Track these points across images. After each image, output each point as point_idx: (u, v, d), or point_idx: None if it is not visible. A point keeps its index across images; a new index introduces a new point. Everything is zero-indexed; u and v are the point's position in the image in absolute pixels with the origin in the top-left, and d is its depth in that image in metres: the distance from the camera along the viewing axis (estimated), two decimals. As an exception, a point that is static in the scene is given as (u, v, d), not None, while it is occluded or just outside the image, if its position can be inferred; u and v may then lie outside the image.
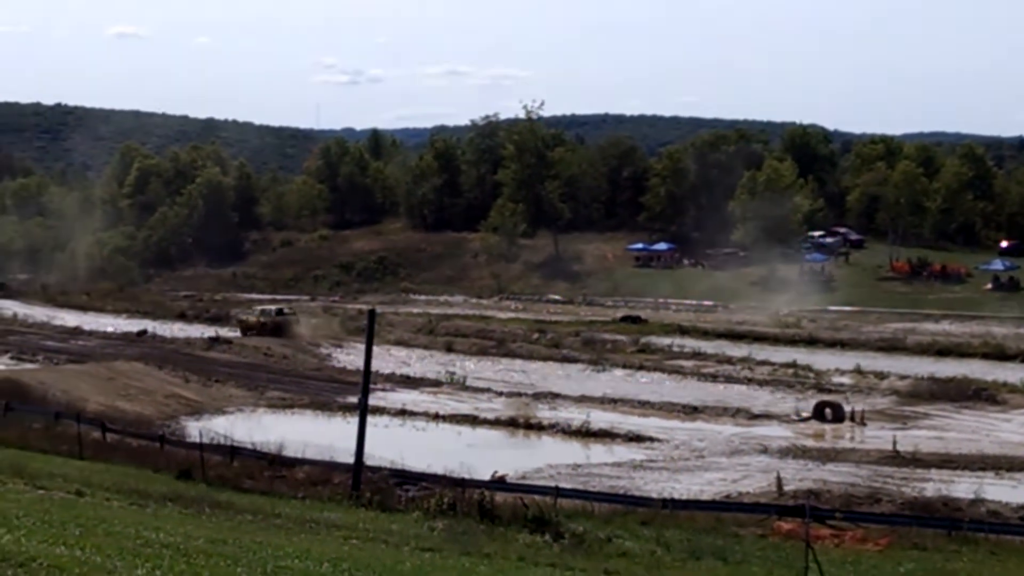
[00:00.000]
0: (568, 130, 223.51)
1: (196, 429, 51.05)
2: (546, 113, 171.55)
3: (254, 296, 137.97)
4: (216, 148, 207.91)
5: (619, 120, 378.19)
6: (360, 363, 40.17)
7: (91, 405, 57.31)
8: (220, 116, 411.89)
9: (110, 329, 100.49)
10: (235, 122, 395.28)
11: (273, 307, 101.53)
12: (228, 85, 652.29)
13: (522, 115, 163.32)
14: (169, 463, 39.95)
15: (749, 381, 73.97)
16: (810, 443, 54.52)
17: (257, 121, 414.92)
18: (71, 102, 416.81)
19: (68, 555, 15.89)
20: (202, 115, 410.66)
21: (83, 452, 41.13)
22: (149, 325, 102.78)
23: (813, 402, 63.20)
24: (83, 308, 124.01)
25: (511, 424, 58.49)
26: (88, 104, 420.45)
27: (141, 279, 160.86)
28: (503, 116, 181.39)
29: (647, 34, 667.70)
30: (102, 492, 28.76)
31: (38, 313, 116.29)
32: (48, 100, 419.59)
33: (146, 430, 50.38)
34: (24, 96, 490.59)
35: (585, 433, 55.85)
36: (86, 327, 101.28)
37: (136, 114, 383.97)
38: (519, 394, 68.20)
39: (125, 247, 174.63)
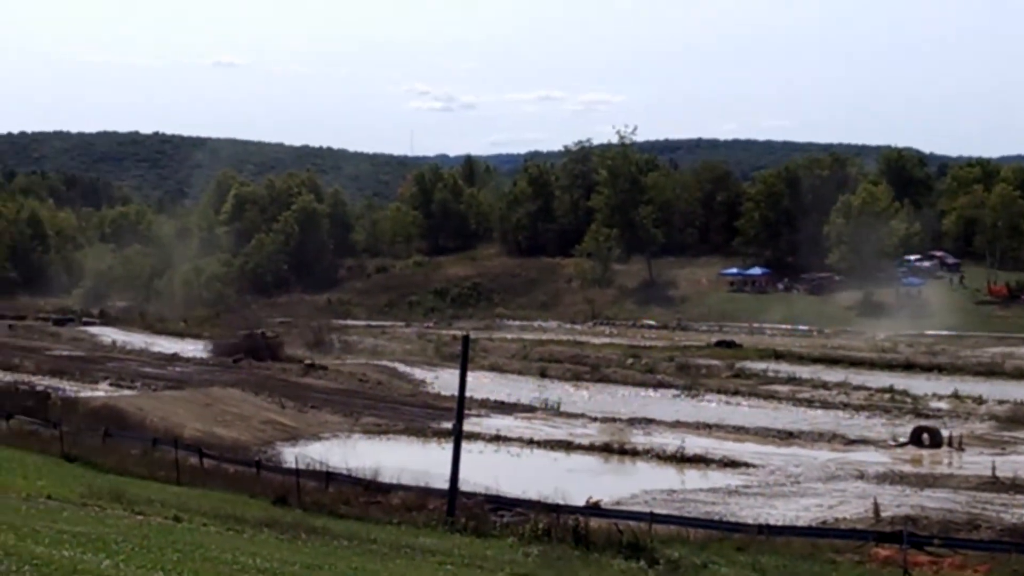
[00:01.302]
0: (661, 155, 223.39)
1: (292, 455, 51.29)
2: (639, 138, 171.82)
3: (349, 322, 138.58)
4: (311, 175, 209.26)
5: (712, 144, 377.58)
6: (455, 389, 40.26)
7: (188, 431, 57.76)
8: (315, 143, 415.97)
9: (207, 355, 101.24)
10: (330, 149, 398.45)
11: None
12: (323, 112, 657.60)
13: (615, 140, 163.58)
14: (265, 489, 40.14)
15: (845, 406, 73.44)
16: (907, 469, 53.99)
17: (352, 148, 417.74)
18: (169, 131, 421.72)
19: (167, 580, 16.09)
20: (297, 142, 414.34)
21: (180, 478, 41.45)
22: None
23: (910, 427, 62.63)
24: (180, 335, 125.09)
25: (605, 450, 58.35)
26: (185, 132, 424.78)
27: (238, 305, 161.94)
28: (596, 141, 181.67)
29: (740, 58, 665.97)
30: (199, 517, 28.95)
31: (136, 340, 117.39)
32: (146, 129, 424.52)
33: (242, 456, 50.65)
34: (123, 125, 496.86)
35: (680, 458, 55.63)
36: (184, 354, 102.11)
37: (232, 142, 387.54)
38: (613, 419, 68.03)
39: (222, 274, 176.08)
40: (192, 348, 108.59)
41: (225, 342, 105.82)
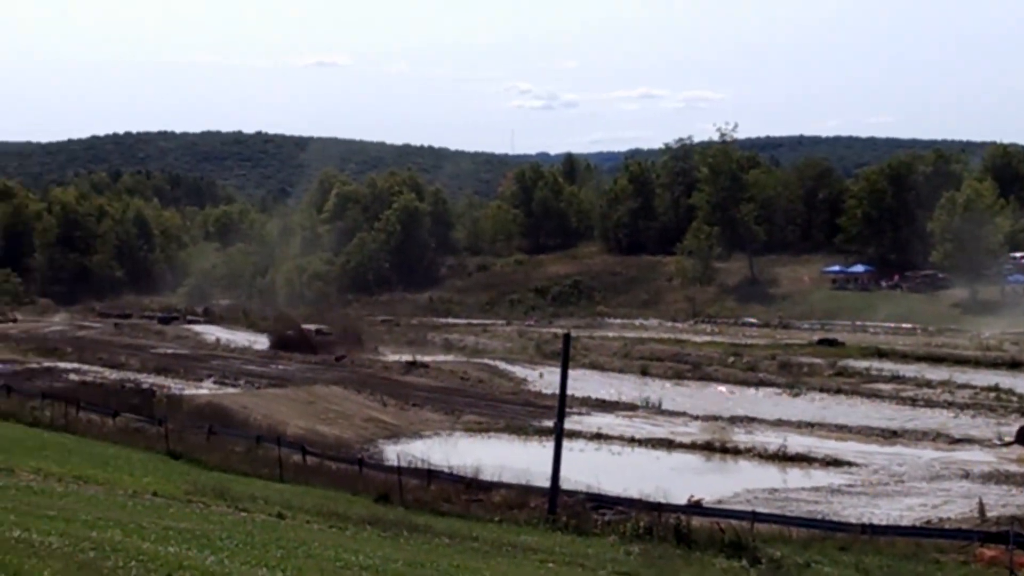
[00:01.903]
0: (763, 152, 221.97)
1: (394, 453, 51.53)
2: (740, 135, 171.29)
3: (450, 320, 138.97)
4: (412, 174, 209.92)
5: (814, 141, 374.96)
6: (556, 387, 40.25)
7: (291, 429, 58.14)
8: (416, 142, 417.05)
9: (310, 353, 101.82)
10: (431, 148, 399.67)
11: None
12: (424, 111, 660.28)
13: (716, 137, 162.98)
14: (367, 486, 40.31)
15: (949, 405, 72.66)
16: (1013, 468, 53.31)
17: (453, 147, 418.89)
18: (272, 130, 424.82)
19: (270, 577, 16.21)
20: (399, 141, 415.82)
21: (283, 475, 41.74)
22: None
23: (1016, 426, 61.83)
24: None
25: (707, 448, 58.12)
26: (288, 132, 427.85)
27: (340, 304, 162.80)
28: (697, 139, 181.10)
29: (843, 54, 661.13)
30: (302, 515, 29.15)
31: (240, 338, 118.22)
32: (249, 129, 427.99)
33: (345, 454, 50.89)
34: (227, 125, 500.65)
35: (782, 457, 55.32)
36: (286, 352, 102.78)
37: (335, 141, 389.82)
38: (715, 418, 67.72)
39: (324, 273, 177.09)
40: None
41: (279, 335, 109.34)
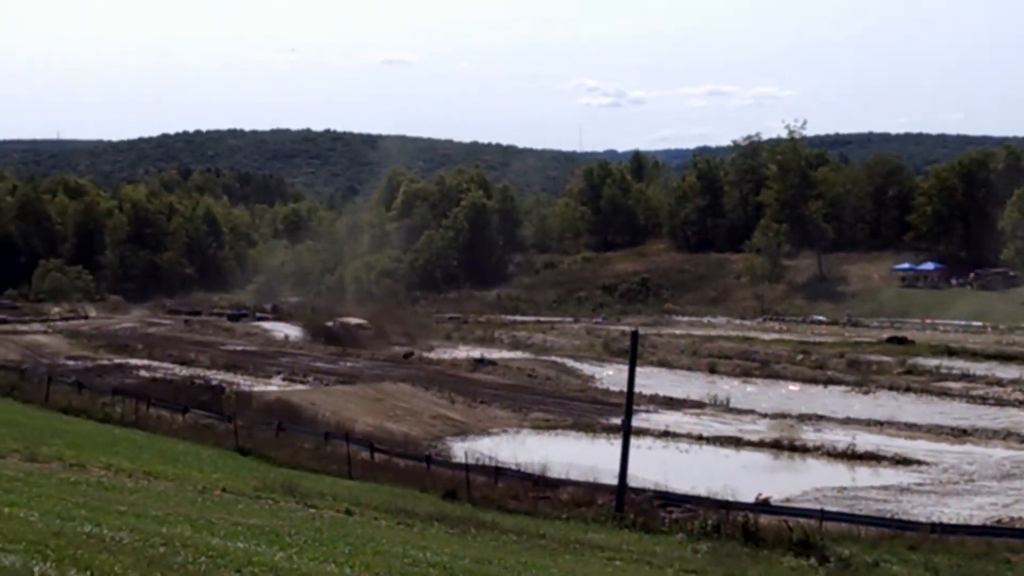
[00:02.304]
0: (831, 149, 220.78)
1: (461, 450, 51.63)
2: (809, 132, 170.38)
3: (518, 318, 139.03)
4: (480, 171, 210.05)
5: (884, 138, 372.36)
6: (623, 384, 40.21)
7: (359, 425, 58.37)
8: (484, 140, 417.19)
9: (377, 350, 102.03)
10: (499, 145, 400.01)
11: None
12: (492, 109, 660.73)
13: (785, 135, 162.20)
14: (435, 483, 40.41)
15: (1020, 404, 72.11)
16: (1086, 467, 52.93)
17: (520, 144, 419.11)
18: (340, 128, 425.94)
19: (338, 573, 16.25)
20: (467, 139, 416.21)
21: (352, 472, 41.88)
22: (415, 346, 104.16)
23: (1088, 425, 61.39)
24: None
25: (775, 446, 57.96)
26: (356, 130, 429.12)
27: (407, 301, 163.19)
28: (765, 136, 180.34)
29: (912, 50, 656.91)
30: (370, 511, 29.22)
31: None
32: (318, 126, 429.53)
33: (413, 450, 51.04)
34: (295, 123, 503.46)
35: (850, 455, 55.08)
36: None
37: (403, 139, 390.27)
38: (783, 416, 67.54)
39: (392, 270, 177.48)
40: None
41: (316, 327, 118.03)
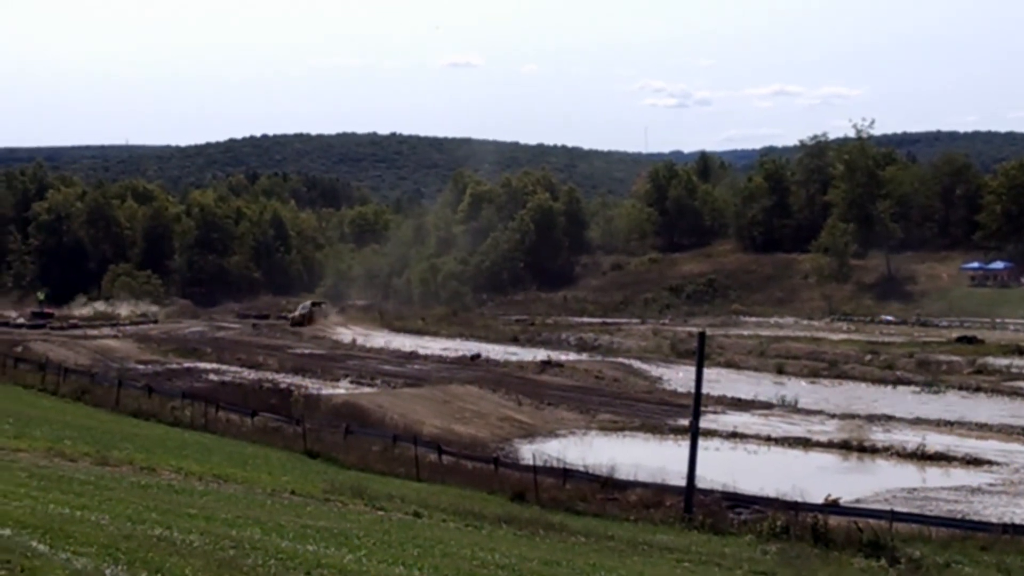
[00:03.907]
0: (899, 148, 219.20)
1: (529, 452, 51.64)
2: (876, 131, 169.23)
3: (584, 320, 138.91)
4: (546, 173, 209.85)
5: (952, 137, 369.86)
6: (690, 386, 40.15)
7: (427, 428, 58.51)
8: (550, 142, 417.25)
9: (445, 353, 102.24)
10: (564, 147, 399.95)
11: (309, 302, 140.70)
12: (558, 111, 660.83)
13: (852, 134, 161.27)
14: (503, 485, 40.47)
15: (1093, 403, 71.52)
16: None
17: (586, 146, 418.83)
18: (405, 131, 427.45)
19: (406, 575, 16.32)
20: (532, 141, 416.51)
21: (420, 474, 42.02)
22: (482, 349, 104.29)
23: None
24: (419, 332, 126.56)
25: (844, 447, 57.67)
26: (421, 133, 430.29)
27: (474, 303, 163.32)
28: (832, 136, 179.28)
29: (981, 47, 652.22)
30: (438, 513, 29.33)
31: (376, 338, 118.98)
32: (384, 130, 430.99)
33: (480, 453, 51.11)
34: (361, 127, 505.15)
35: (920, 456, 54.74)
36: (422, 351, 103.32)
37: (468, 141, 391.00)
38: (852, 416, 67.19)
39: (458, 272, 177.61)
40: (432, 345, 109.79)
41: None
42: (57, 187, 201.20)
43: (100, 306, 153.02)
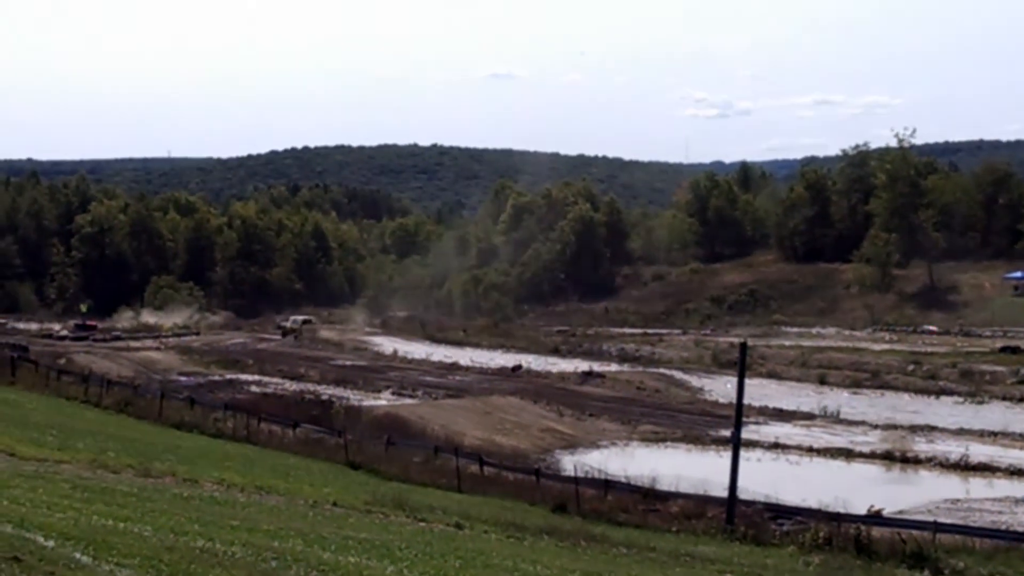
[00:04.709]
0: (941, 157, 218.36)
1: (571, 463, 51.60)
2: (918, 141, 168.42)
3: (626, 330, 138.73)
4: (587, 184, 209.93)
5: (995, 146, 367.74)
6: (732, 396, 40.06)
7: (468, 439, 58.52)
8: (590, 152, 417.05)
9: (486, 364, 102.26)
10: (605, 158, 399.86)
11: (301, 317, 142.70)
12: (598, 121, 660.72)
13: (894, 143, 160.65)
14: (545, 496, 40.46)
15: None
16: None
17: (627, 156, 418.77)
18: (446, 142, 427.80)
19: (449, 586, 16.34)
20: (573, 152, 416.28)
21: (461, 485, 42.01)
22: (524, 360, 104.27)
23: None
24: (460, 343, 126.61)
25: (887, 457, 57.49)
26: (462, 144, 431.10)
27: (515, 314, 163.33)
28: (874, 145, 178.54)
29: (1023, 56, 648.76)
30: (480, 525, 29.30)
31: (417, 349, 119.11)
32: (424, 141, 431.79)
33: (522, 464, 51.11)
34: (402, 138, 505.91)
35: (964, 467, 54.51)
36: (463, 362, 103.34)
37: (508, 152, 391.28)
38: (894, 427, 66.94)
39: (500, 283, 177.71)
40: (473, 356, 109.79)
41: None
42: (100, 200, 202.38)
43: (145, 317, 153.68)
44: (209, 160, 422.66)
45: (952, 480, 52.93)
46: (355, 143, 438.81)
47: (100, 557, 13.58)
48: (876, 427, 67.10)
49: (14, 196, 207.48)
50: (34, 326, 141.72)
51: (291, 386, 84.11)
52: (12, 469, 24.66)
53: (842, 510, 37.88)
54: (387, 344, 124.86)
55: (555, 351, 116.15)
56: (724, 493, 36.85)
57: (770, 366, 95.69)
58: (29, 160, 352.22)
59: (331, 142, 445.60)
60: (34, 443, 32.36)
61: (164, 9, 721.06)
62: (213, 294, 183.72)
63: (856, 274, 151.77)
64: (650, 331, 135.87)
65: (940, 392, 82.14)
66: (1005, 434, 63.73)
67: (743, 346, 39.21)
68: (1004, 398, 78.27)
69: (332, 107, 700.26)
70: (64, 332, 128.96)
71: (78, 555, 13.48)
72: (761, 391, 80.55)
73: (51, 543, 13.78)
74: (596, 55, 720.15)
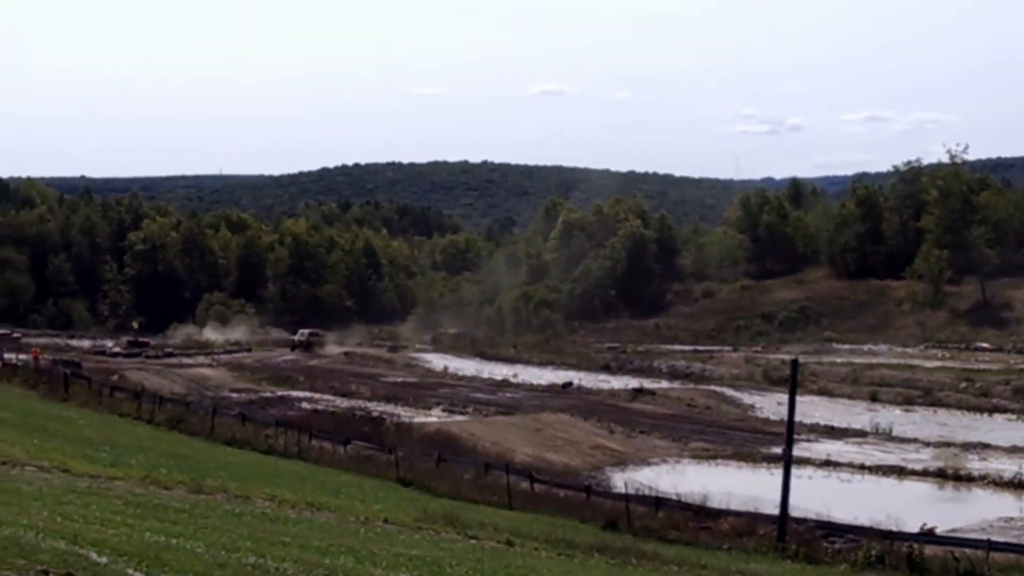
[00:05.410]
0: (994, 173, 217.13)
1: (621, 480, 51.56)
2: (970, 156, 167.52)
3: (676, 347, 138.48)
4: (637, 200, 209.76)
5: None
6: (783, 413, 39.95)
7: (519, 456, 58.51)
8: (641, 169, 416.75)
9: (536, 381, 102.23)
10: (656, 174, 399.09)
11: (307, 331, 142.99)
12: (649, 138, 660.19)
13: (946, 159, 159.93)
14: (595, 514, 40.44)
15: None
16: None
17: (677, 173, 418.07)
18: (496, 159, 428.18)
19: (500, 603, 16.36)
20: (623, 168, 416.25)
21: (512, 502, 42.03)
22: (574, 377, 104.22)
23: None
24: (510, 360, 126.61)
25: (939, 475, 57.16)
26: (513, 161, 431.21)
27: (566, 331, 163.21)
28: (926, 161, 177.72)
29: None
30: (531, 542, 29.32)
31: (467, 366, 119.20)
32: (474, 158, 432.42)
33: (572, 481, 51.10)
34: (452, 155, 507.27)
35: (1018, 485, 54.15)
36: (513, 379, 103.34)
37: (559, 169, 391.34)
38: (947, 444, 66.59)
39: (550, 300, 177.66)
40: (523, 373, 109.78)
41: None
42: (152, 217, 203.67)
43: (208, 334, 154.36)
44: (261, 177, 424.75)
45: (1006, 498, 52.59)
46: (406, 160, 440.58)
47: (153, 573, 13.66)
48: (928, 444, 66.79)
49: (68, 214, 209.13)
50: (87, 343, 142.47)
51: (342, 403, 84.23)
52: (65, 485, 24.81)
53: (894, 528, 37.73)
54: (437, 361, 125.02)
55: (605, 368, 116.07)
56: (775, 510, 36.76)
57: (821, 383, 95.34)
58: (82, 178, 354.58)
59: (382, 159, 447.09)
60: (87, 459, 32.56)
61: (217, 29, 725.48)
62: (264, 311, 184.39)
63: (908, 291, 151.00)
64: (701, 348, 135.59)
65: (993, 410, 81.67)
66: (1060, 452, 63.34)
67: (794, 363, 39.12)
68: (1059, 415, 77.79)
69: (383, 124, 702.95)
70: (117, 349, 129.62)
71: (131, 571, 13.56)
72: (812, 408, 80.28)
73: (104, 559, 13.86)
74: (645, 71, 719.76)
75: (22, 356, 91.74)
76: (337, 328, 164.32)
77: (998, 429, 73.51)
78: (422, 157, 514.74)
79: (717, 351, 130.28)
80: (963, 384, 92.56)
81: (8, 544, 13.43)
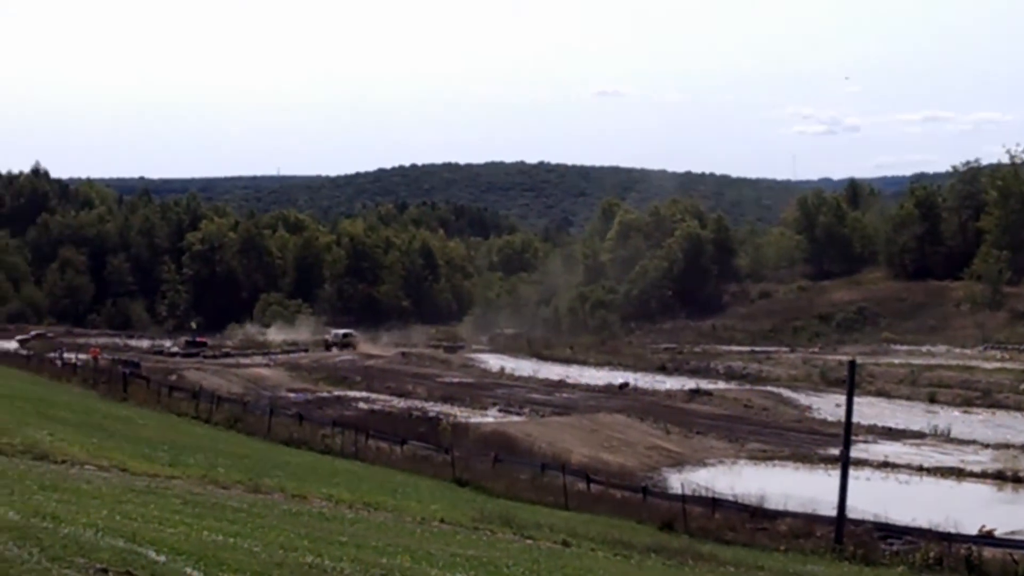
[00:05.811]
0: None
1: (678, 481, 51.50)
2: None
3: (733, 348, 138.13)
4: (694, 201, 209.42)
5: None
6: (841, 415, 39.79)
7: (575, 456, 58.49)
8: (697, 170, 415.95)
9: (593, 382, 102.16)
10: (713, 175, 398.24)
11: (342, 331, 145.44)
12: (706, 138, 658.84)
13: (1005, 159, 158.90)
14: (651, 514, 40.39)
15: None
16: None
17: (734, 174, 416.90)
18: (553, 160, 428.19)
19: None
20: (680, 169, 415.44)
21: (568, 503, 42.03)
22: (630, 377, 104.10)
23: None
24: (567, 361, 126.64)
25: (999, 477, 56.79)
26: (570, 162, 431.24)
27: (622, 332, 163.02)
28: (985, 161, 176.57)
29: None
30: (587, 542, 29.30)
31: (524, 366, 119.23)
32: (531, 159, 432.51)
33: (629, 481, 51.03)
34: (508, 156, 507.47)
35: (1078, 487, 53.81)
36: (569, 380, 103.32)
37: (616, 170, 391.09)
38: (1007, 446, 66.16)
39: (607, 300, 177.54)
40: (580, 374, 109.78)
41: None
42: (210, 218, 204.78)
43: (273, 335, 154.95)
44: (318, 178, 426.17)
45: (1066, 501, 52.27)
46: (462, 160, 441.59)
47: (211, 572, 13.72)
48: (987, 446, 66.37)
49: (127, 215, 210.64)
50: (145, 343, 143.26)
51: (399, 403, 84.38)
52: (124, 484, 24.96)
53: (953, 530, 37.52)
54: (494, 361, 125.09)
55: (662, 369, 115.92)
56: (833, 512, 36.62)
57: (879, 384, 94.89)
58: (141, 179, 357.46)
59: (438, 160, 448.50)
60: (146, 459, 32.74)
61: (275, 31, 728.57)
62: (322, 311, 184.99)
63: (967, 292, 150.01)
64: (757, 349, 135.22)
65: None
66: (1121, 454, 62.84)
67: (852, 364, 38.94)
68: (1120, 417, 77.17)
69: (440, 125, 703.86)
70: (175, 349, 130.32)
71: (189, 570, 13.63)
72: (870, 410, 79.87)
73: (163, 558, 13.93)
74: (703, 71, 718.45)
75: (81, 356, 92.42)
76: (395, 328, 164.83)
77: (1058, 431, 73.01)
78: (479, 158, 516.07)
79: (774, 352, 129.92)
80: (1022, 386, 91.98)
81: (68, 542, 13.53)
